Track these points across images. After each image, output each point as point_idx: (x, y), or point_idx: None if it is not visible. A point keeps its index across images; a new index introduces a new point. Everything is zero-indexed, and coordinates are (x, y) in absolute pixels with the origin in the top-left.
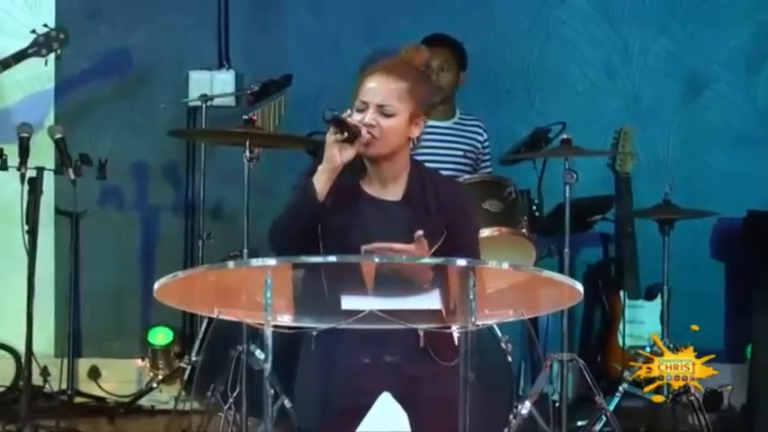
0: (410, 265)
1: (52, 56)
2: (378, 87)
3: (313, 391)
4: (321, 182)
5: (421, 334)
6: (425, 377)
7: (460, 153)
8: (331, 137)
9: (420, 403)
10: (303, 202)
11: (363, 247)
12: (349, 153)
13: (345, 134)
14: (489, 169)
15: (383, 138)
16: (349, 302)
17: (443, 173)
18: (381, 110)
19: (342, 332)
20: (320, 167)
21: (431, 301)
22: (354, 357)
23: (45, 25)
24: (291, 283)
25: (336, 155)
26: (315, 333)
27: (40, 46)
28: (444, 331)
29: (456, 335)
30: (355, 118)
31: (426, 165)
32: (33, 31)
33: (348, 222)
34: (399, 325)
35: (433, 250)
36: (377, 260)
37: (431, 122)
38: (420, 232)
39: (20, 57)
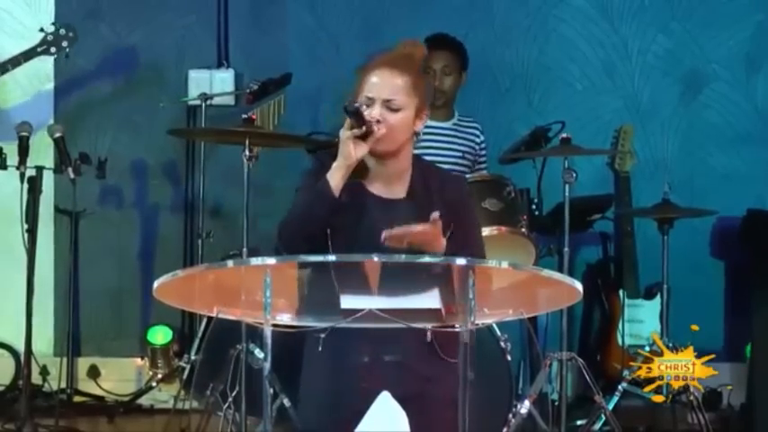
0: (419, 243)
1: (59, 54)
2: (383, 82)
3: (320, 393)
4: (336, 178)
5: (428, 331)
6: (432, 377)
7: (458, 154)
8: (346, 132)
9: (426, 403)
10: (318, 200)
11: (384, 233)
12: (362, 149)
13: (363, 129)
14: (485, 171)
15: (391, 133)
16: (348, 302)
17: None
18: (388, 104)
19: (349, 332)
20: (335, 164)
21: (431, 300)
22: (362, 357)
23: (53, 23)
24: (297, 282)
25: (352, 151)
26: (323, 335)
27: (48, 45)
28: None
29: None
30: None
31: None
32: (41, 30)
33: (354, 222)
34: (401, 324)
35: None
36: (375, 259)
37: (430, 123)
38: (436, 214)
39: (29, 55)
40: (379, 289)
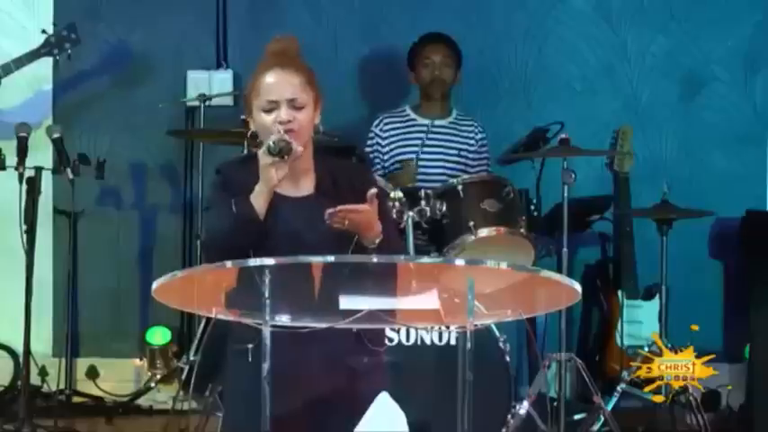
0: (359, 222)
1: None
2: (282, 82)
3: (249, 391)
4: (260, 203)
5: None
6: (361, 371)
7: (454, 152)
8: (266, 158)
9: (359, 397)
10: (244, 224)
11: (327, 212)
12: (283, 170)
13: (286, 158)
14: (488, 168)
15: (300, 131)
16: (347, 302)
17: (438, 171)
18: (293, 104)
19: (283, 335)
20: (258, 189)
21: (428, 301)
22: (291, 354)
23: (55, 24)
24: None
25: (274, 176)
26: (251, 346)
27: (51, 46)
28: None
29: None
30: (266, 118)
31: (421, 163)
32: (44, 32)
33: (270, 228)
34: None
35: (355, 239)
36: (375, 260)
37: (426, 120)
38: (374, 190)
39: (33, 56)
40: (320, 291)
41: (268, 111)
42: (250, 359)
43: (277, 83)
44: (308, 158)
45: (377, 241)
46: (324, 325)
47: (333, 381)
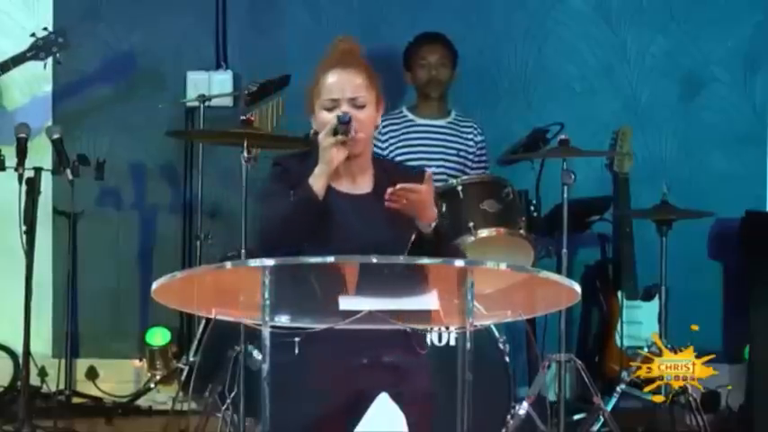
0: (417, 202)
1: (50, 59)
2: (343, 81)
3: (297, 397)
4: (319, 184)
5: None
6: (405, 370)
7: (453, 152)
8: (329, 139)
9: (401, 398)
10: (304, 206)
11: (389, 190)
12: (343, 153)
13: (350, 135)
14: (486, 171)
15: (361, 129)
16: (346, 303)
17: (435, 171)
18: (354, 102)
19: (323, 334)
20: (317, 171)
21: (428, 301)
22: (338, 358)
23: (45, 29)
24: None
25: (335, 156)
26: (298, 339)
27: (38, 50)
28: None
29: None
30: (327, 116)
31: (419, 163)
32: (33, 35)
33: (325, 223)
34: (388, 325)
35: (413, 238)
36: (374, 260)
37: (424, 120)
38: (431, 170)
39: (18, 60)
40: (357, 290)
41: (330, 109)
42: (296, 351)
43: (339, 82)
44: (367, 157)
45: (432, 225)
46: (323, 325)
47: (380, 380)
